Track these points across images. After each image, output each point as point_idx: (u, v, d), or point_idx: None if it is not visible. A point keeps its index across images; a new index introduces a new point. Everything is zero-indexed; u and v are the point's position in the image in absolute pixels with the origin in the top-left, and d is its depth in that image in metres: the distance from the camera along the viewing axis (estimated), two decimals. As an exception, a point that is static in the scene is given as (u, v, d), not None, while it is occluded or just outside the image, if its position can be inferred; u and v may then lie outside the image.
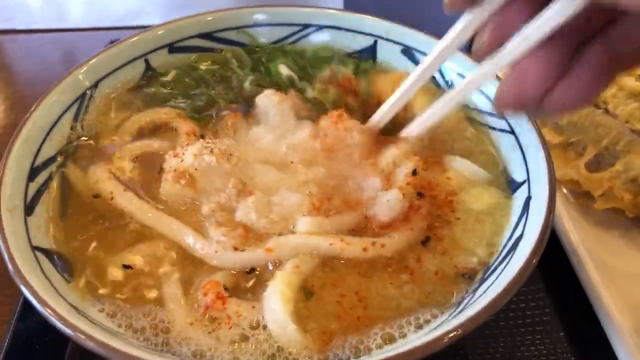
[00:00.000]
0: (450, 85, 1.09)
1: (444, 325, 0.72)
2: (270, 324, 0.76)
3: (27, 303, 0.99)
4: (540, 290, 1.06)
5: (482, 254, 0.85)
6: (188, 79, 1.10)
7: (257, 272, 0.82)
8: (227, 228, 0.84)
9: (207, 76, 1.11)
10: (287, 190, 0.88)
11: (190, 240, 0.84)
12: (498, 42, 0.71)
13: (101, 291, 0.81)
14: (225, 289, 0.79)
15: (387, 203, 0.86)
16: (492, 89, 0.95)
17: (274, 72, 1.11)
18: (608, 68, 0.65)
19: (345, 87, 1.06)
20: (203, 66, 1.13)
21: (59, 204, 0.90)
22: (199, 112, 1.04)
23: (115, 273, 0.82)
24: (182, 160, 0.88)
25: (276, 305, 0.76)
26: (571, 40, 0.66)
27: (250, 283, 0.82)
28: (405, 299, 0.80)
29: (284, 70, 1.10)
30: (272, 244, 0.83)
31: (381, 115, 0.96)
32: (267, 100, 1.00)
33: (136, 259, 0.83)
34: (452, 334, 0.66)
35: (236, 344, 0.75)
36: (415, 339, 0.71)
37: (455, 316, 0.73)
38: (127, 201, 0.89)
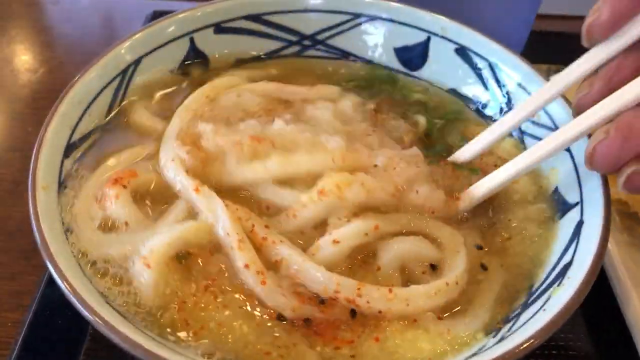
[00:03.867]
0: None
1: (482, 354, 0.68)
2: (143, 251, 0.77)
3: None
4: (577, 315, 1.01)
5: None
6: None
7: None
8: (190, 148, 0.88)
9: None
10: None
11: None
12: (606, 93, 0.67)
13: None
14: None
15: None
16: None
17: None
18: None
19: None
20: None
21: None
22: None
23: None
24: None
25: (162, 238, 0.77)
26: None
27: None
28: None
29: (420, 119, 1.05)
30: (202, 189, 0.83)
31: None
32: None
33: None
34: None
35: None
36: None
37: (493, 346, 0.70)
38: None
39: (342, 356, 0.73)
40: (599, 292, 0.98)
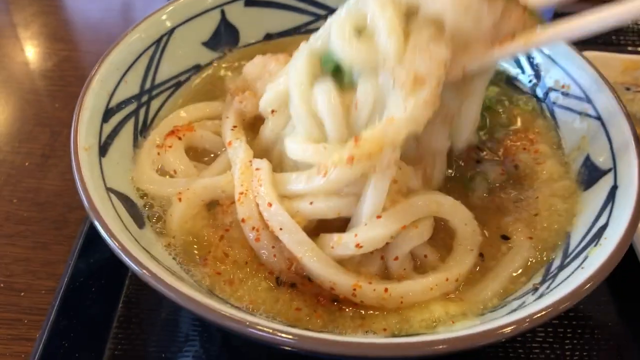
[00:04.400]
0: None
1: (520, 310, 0.69)
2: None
3: (85, 244, 1.01)
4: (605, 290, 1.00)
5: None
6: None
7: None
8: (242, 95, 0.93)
9: None
10: None
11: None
12: None
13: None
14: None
15: None
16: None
17: None
18: None
19: None
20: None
21: (132, 147, 0.91)
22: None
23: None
24: None
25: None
26: None
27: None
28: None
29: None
30: (234, 142, 0.88)
31: None
32: None
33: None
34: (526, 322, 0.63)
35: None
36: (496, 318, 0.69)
37: (533, 302, 0.70)
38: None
39: (351, 318, 0.75)
40: (627, 267, 0.99)
